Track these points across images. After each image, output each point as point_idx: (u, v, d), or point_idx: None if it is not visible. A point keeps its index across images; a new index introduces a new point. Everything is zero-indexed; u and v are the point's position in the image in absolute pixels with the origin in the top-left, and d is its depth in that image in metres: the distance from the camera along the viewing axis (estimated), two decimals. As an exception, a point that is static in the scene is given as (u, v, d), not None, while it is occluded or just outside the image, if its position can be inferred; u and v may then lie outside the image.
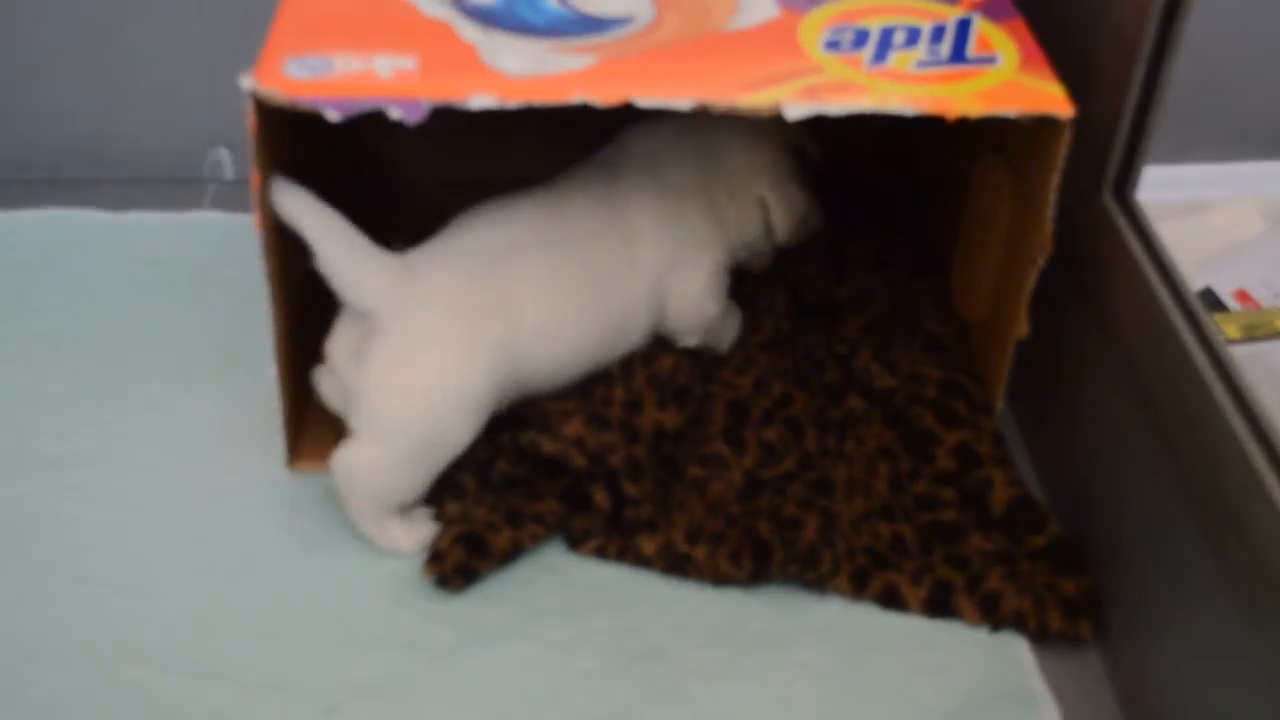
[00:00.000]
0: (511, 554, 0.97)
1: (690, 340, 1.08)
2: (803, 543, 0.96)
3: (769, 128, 1.07)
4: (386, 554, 0.97)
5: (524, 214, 1.01)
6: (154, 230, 1.30)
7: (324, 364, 1.00)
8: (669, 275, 1.05)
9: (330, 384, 1.00)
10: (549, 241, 1.00)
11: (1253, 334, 1.19)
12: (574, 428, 1.00)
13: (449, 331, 0.95)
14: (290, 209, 0.92)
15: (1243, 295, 1.24)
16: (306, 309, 1.04)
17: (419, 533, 0.98)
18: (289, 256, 0.99)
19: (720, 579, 0.96)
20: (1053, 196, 0.94)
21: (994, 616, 0.94)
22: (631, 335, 1.05)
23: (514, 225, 1.00)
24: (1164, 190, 1.17)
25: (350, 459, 0.95)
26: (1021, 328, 0.99)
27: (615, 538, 0.98)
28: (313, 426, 1.06)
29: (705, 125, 1.06)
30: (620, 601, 0.95)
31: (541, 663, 0.91)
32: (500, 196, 1.03)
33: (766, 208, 1.08)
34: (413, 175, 1.29)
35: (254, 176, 0.90)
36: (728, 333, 1.10)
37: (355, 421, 0.96)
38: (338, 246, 0.93)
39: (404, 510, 0.98)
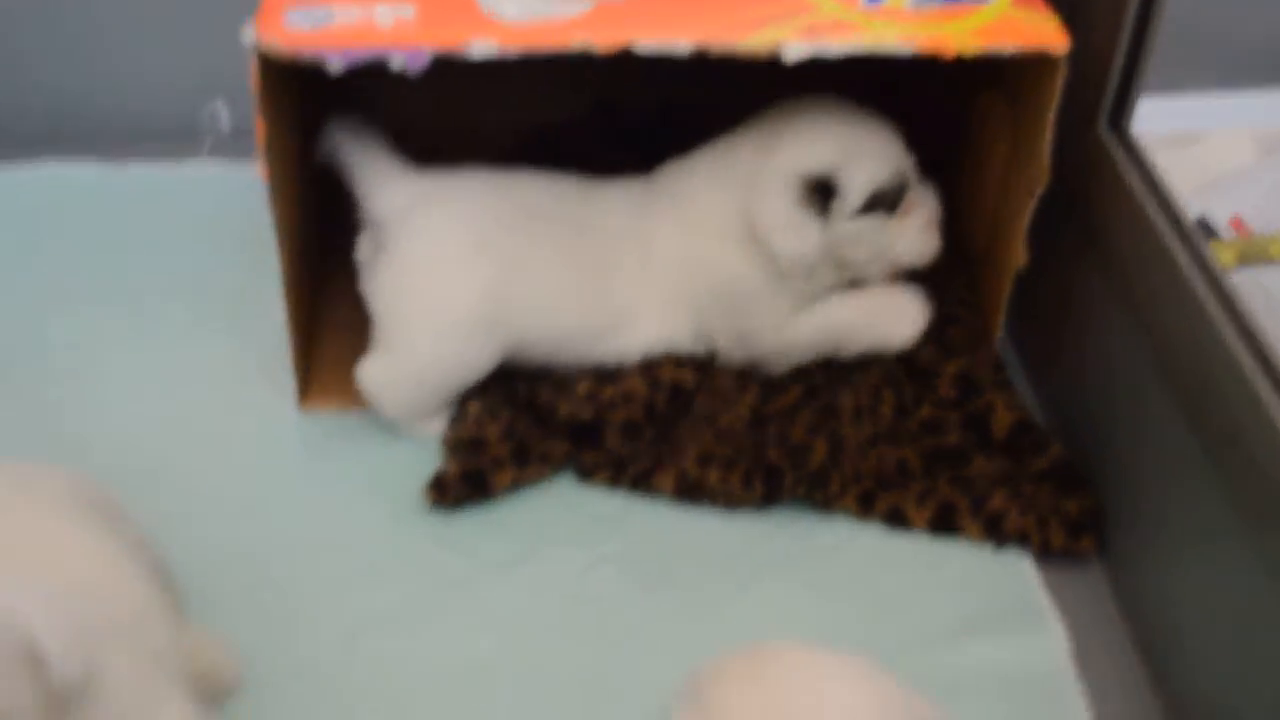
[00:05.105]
0: (512, 490, 0.99)
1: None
2: (812, 464, 0.98)
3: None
4: (397, 490, 0.99)
5: (555, 191, 1.03)
6: (153, 182, 1.31)
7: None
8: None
9: None
10: (568, 224, 1.02)
11: (1247, 260, 1.21)
12: (587, 385, 1.02)
13: (451, 259, 0.98)
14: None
15: (1237, 223, 1.25)
16: (310, 254, 1.05)
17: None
18: (292, 204, 1.00)
19: (732, 502, 0.98)
20: (1049, 130, 0.95)
21: (998, 535, 0.96)
22: (630, 340, 1.05)
23: (543, 195, 1.03)
24: (1158, 122, 1.18)
25: (366, 366, 1.01)
26: (1020, 258, 1.01)
27: (627, 470, 0.99)
28: (322, 367, 1.07)
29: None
30: (630, 528, 0.97)
31: (555, 588, 0.93)
32: (542, 169, 1.05)
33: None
34: (406, 121, 1.30)
35: (259, 127, 0.91)
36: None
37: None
38: (364, 154, 0.99)
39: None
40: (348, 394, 1.04)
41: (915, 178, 1.04)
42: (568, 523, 0.98)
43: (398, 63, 0.89)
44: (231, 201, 1.27)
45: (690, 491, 0.98)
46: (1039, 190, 0.97)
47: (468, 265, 0.99)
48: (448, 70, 0.92)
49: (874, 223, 1.01)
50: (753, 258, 1.01)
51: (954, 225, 1.08)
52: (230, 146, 1.35)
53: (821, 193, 0.99)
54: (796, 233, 0.99)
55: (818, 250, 1.00)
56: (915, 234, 1.04)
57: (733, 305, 1.03)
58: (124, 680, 0.67)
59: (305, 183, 1.06)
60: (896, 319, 1.06)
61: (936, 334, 1.06)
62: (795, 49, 0.91)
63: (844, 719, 0.70)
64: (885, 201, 1.01)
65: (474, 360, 1.00)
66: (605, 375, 1.03)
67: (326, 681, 0.87)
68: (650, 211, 1.04)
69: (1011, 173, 1.03)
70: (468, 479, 0.97)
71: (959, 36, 0.92)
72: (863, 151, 1.00)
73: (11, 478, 0.78)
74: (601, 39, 0.90)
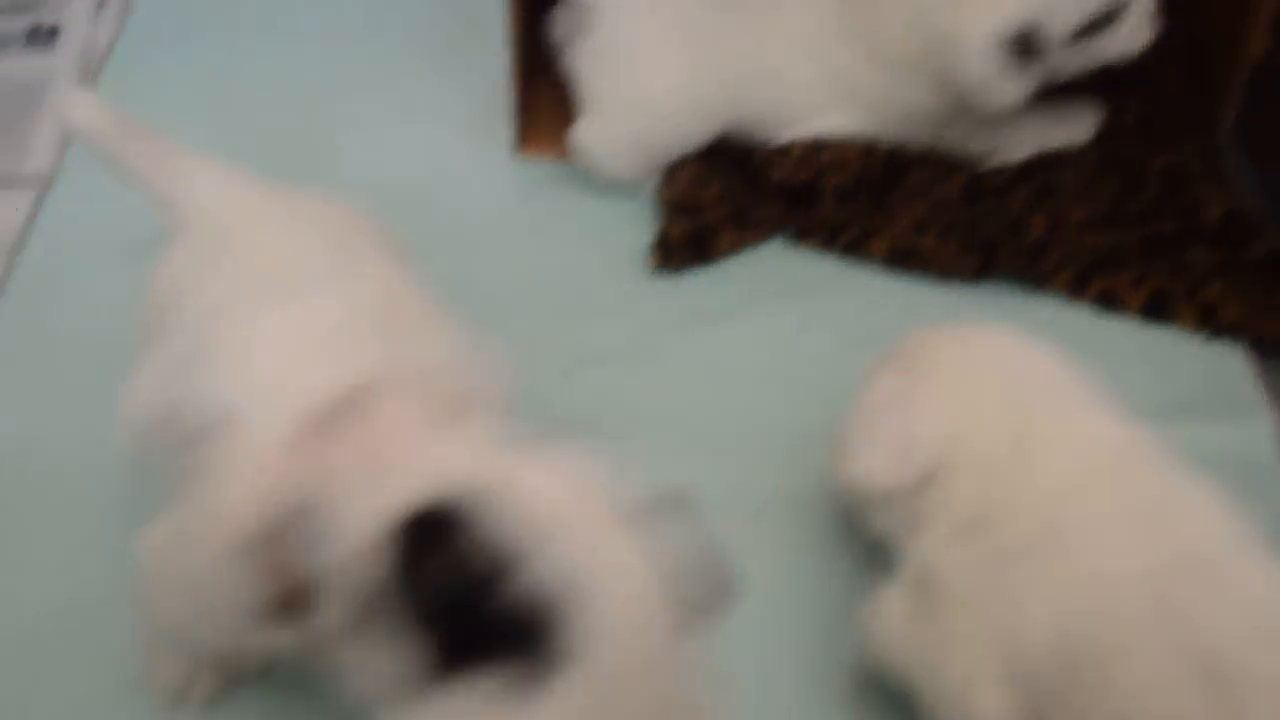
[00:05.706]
0: (732, 253, 1.00)
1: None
2: (1028, 240, 0.97)
3: None
4: (615, 235, 1.01)
5: None
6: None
7: None
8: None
9: None
10: (765, 9, 1.01)
11: None
12: (801, 149, 1.02)
13: (653, 42, 1.00)
14: None
15: None
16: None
17: None
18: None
19: (946, 271, 0.98)
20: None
21: (1212, 324, 0.95)
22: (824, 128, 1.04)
23: None
24: None
25: (581, 128, 1.03)
26: (1257, 48, 0.98)
27: (841, 235, 1.00)
28: (540, 114, 1.08)
29: None
30: (843, 290, 0.99)
31: (767, 340, 0.95)
32: None
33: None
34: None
35: None
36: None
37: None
38: None
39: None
40: (563, 143, 1.05)
41: None
42: (783, 281, 0.99)
43: None
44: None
45: (904, 258, 0.99)
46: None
47: (669, 48, 1.00)
48: None
49: (1088, 43, 0.97)
50: (940, 89, 0.98)
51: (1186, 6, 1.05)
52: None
53: (1026, 42, 0.94)
54: (1004, 87, 0.95)
55: (1028, 93, 0.96)
56: (1128, 35, 0.98)
57: (925, 123, 1.02)
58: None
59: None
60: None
61: (1141, 130, 1.04)
62: None
63: (1036, 384, 0.74)
64: (1100, 24, 0.96)
65: (684, 133, 1.02)
66: (819, 141, 1.03)
67: (544, 409, 0.89)
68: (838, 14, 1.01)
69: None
70: (691, 242, 0.99)
71: None
72: None
73: (334, 214, 0.79)
74: None
